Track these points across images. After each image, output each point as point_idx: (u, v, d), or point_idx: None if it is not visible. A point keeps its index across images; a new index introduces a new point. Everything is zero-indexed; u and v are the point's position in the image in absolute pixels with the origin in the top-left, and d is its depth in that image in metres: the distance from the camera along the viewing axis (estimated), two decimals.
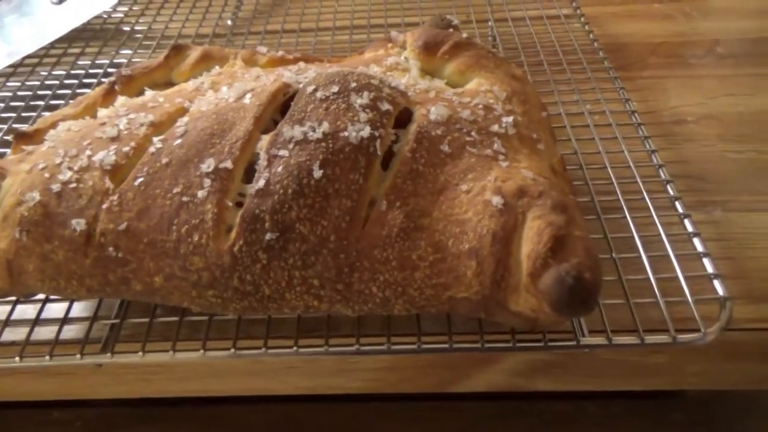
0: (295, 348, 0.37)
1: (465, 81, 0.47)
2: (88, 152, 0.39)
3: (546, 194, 0.36)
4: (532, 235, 0.34)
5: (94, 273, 0.37)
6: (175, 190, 0.37)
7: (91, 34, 0.69)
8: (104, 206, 0.37)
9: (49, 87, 0.61)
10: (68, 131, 0.43)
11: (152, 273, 0.37)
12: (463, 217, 0.36)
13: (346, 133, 0.37)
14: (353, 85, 0.40)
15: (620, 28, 0.69)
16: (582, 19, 0.66)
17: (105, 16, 0.71)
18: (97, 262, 0.37)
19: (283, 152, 0.37)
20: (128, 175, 0.38)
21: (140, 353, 0.38)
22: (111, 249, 0.37)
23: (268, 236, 0.35)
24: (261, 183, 0.36)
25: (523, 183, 0.36)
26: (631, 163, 0.48)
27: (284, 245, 0.35)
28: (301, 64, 0.49)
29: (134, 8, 0.74)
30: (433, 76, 0.48)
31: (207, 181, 0.37)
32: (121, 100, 0.46)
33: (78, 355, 0.38)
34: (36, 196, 0.38)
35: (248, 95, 0.42)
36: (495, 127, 0.41)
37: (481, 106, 0.42)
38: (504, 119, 0.42)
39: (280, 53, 0.52)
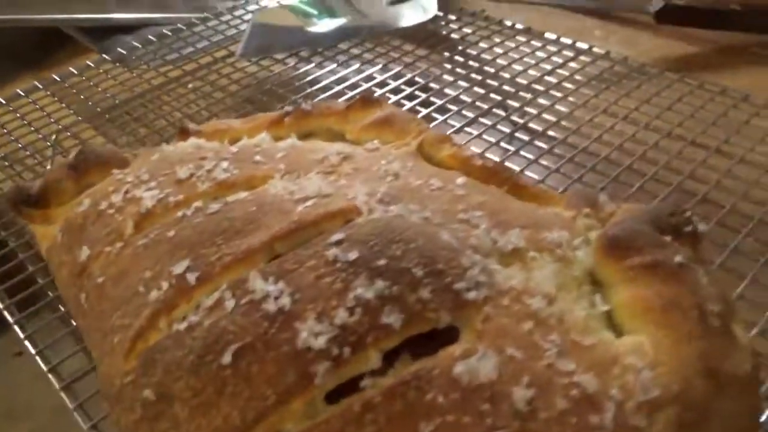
0: None
1: (632, 328, 0.28)
2: (151, 184, 0.36)
3: None
4: None
5: (74, 305, 0.35)
6: (146, 274, 0.31)
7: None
8: (107, 249, 0.34)
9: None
10: (182, 151, 0.40)
11: (91, 343, 0.32)
12: None
13: (299, 326, 0.25)
14: (380, 262, 0.27)
15: None
16: None
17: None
18: (75, 298, 0.34)
19: (230, 303, 0.27)
20: (151, 227, 0.34)
21: None
22: (83, 295, 0.33)
23: (146, 393, 0.27)
24: (184, 325, 0.27)
25: None
26: None
27: (157, 415, 0.27)
28: (460, 180, 0.36)
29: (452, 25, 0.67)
30: (602, 286, 0.30)
31: (164, 285, 0.30)
32: (257, 138, 0.41)
33: None
34: (86, 204, 0.37)
35: (312, 201, 0.32)
36: None
37: (574, 393, 0.24)
38: None
39: (472, 152, 0.39)
